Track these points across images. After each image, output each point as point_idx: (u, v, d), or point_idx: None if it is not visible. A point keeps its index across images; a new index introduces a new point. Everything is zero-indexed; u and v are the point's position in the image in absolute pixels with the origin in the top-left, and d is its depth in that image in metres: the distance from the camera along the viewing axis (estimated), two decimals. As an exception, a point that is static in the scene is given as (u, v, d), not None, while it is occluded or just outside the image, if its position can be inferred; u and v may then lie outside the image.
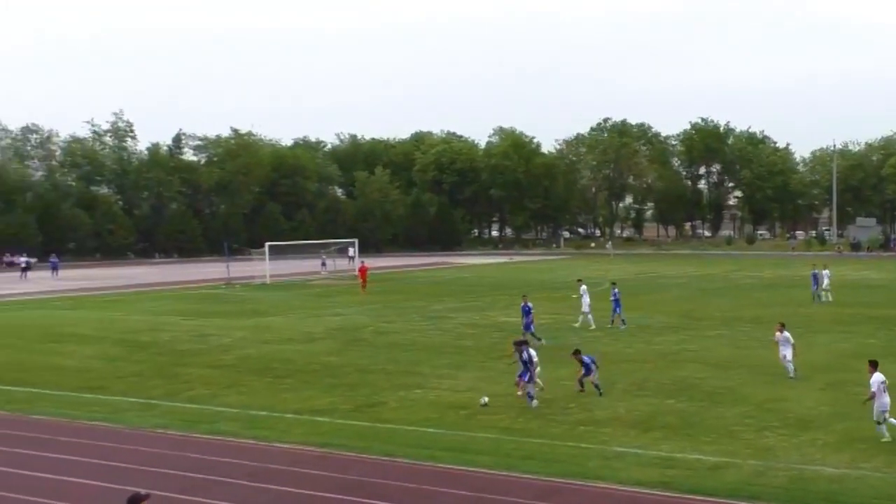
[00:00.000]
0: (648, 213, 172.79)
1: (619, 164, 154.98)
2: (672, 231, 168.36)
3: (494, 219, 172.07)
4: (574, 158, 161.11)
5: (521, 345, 25.75)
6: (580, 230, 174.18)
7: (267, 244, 77.63)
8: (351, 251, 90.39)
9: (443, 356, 33.86)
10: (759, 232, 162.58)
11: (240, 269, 78.42)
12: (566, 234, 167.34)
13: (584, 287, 43.41)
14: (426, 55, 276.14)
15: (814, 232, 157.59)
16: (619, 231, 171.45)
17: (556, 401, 25.47)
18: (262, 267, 75.04)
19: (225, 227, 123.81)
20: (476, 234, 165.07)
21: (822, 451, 20.20)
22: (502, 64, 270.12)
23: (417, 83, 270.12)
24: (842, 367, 30.88)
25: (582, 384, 26.31)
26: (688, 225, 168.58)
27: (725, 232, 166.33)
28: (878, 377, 21.27)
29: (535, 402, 24.58)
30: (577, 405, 24.81)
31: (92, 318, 48.37)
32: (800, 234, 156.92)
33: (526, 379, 25.00)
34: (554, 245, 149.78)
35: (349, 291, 63.76)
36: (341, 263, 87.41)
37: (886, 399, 21.07)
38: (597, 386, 26.12)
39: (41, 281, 79.54)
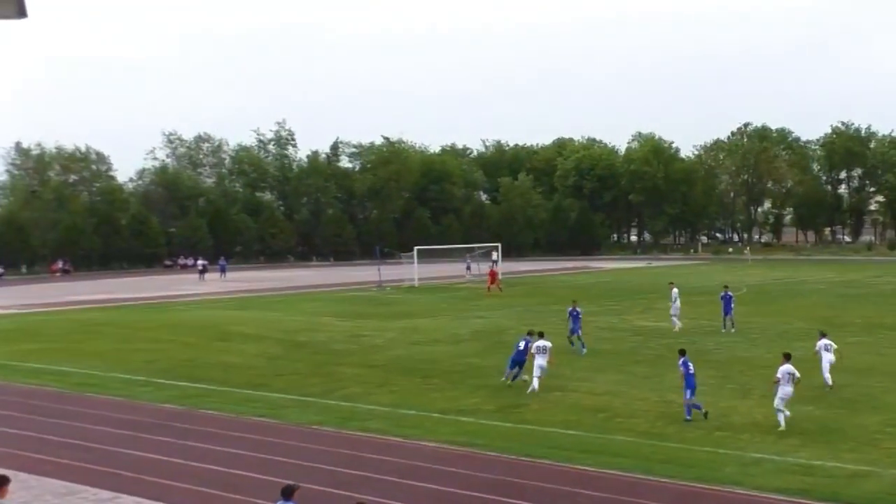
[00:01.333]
0: (787, 218, 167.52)
1: (758, 169, 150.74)
2: (811, 236, 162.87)
3: (633, 224, 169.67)
4: (713, 164, 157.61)
5: (681, 353, 24.58)
6: (718, 235, 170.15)
7: (416, 248, 78.37)
8: (494, 255, 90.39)
9: (581, 360, 33.59)
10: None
11: (390, 272, 79.50)
12: (704, 239, 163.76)
13: (675, 291, 42.86)
14: (566, 58, 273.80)
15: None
16: (757, 236, 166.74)
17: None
18: (411, 270, 75.82)
19: (377, 232, 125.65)
20: (615, 238, 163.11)
21: (966, 463, 19.23)
22: (641, 68, 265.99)
23: (559, 88, 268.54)
24: None
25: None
26: (827, 230, 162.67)
27: (866, 237, 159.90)
28: (786, 367, 22.74)
29: (688, 417, 23.27)
30: (713, 410, 24.23)
31: (255, 319, 49.84)
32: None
33: (687, 395, 23.59)
34: (692, 250, 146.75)
35: (492, 295, 63.87)
36: (485, 267, 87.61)
37: (790, 389, 22.51)
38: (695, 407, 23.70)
39: (212, 282, 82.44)
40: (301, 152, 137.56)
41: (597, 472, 18.88)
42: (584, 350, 34.68)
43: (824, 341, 28.36)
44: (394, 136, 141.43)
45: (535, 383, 27.28)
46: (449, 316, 50.39)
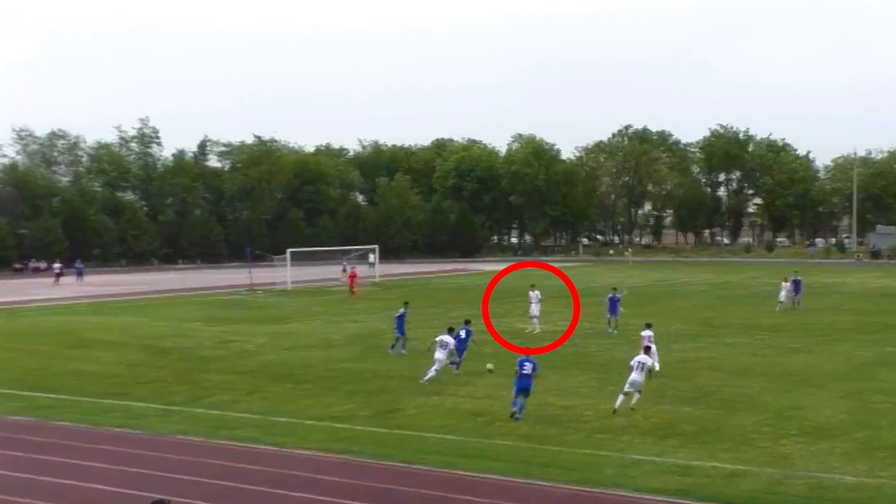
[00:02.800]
0: (667, 220, 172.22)
1: (638, 171, 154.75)
2: (691, 238, 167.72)
3: (514, 225, 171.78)
4: (594, 165, 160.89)
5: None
6: (599, 237, 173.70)
7: (289, 250, 77.82)
8: (371, 257, 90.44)
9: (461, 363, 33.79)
10: (779, 239, 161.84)
11: (262, 275, 78.66)
12: (585, 240, 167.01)
13: (534, 293, 44.17)
14: (447, 60, 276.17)
15: (833, 239, 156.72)
16: (637, 238, 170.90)
17: (573, 408, 25.43)
18: (283, 273, 75.19)
19: (247, 233, 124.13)
20: (496, 240, 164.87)
21: (840, 460, 20.11)
22: (523, 70, 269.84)
23: (439, 90, 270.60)
24: (861, 375, 30.76)
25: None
26: (707, 232, 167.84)
27: (744, 239, 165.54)
28: (640, 357, 25.55)
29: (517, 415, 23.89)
30: (593, 413, 24.75)
31: (115, 324, 48.61)
32: (819, 241, 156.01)
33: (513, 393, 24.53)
34: (573, 252, 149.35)
35: (369, 297, 63.80)
36: (362, 270, 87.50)
37: (639, 377, 24.88)
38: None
39: (68, 286, 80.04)
40: (167, 151, 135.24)
41: (476, 476, 19.02)
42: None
43: (648, 332, 31.23)
44: (266, 136, 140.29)
45: (431, 374, 29.14)
46: (323, 320, 50.18)
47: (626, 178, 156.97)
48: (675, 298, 62.84)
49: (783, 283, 54.59)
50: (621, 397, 24.85)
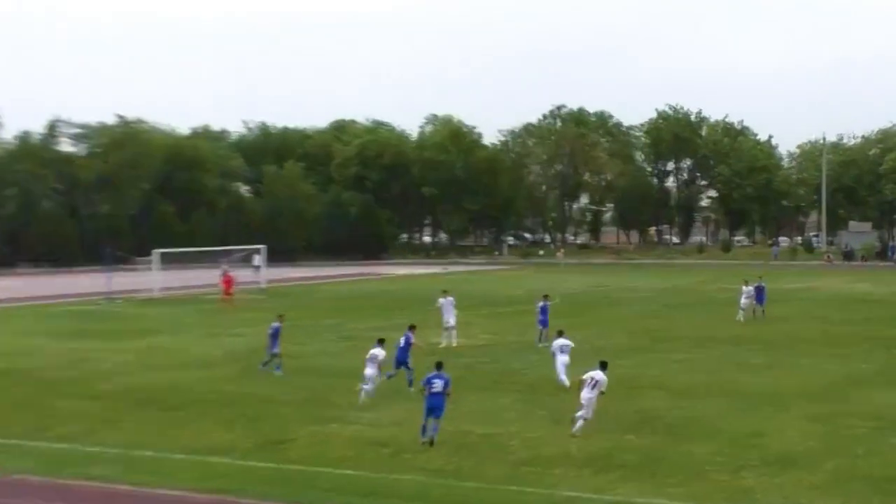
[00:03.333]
0: (607, 216, 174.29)
1: (573, 159, 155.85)
2: (634, 237, 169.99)
3: (427, 222, 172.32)
4: (521, 152, 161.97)
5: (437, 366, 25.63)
6: (527, 235, 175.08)
7: (156, 251, 76.83)
8: (257, 259, 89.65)
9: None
10: (737, 238, 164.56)
11: (123, 280, 77.38)
12: (511, 240, 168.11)
13: (447, 300, 44.74)
14: (349, 33, 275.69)
15: (800, 238, 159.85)
16: (572, 237, 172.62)
17: (495, 436, 25.37)
18: (150, 278, 74.19)
19: (107, 230, 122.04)
20: (406, 239, 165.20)
21: (808, 494, 20.35)
22: (441, 44, 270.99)
23: (340, 68, 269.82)
24: (832, 395, 31.27)
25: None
26: (653, 230, 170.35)
27: (697, 238, 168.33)
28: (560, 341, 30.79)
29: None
30: (520, 442, 24.72)
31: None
32: (784, 240, 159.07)
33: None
34: (496, 253, 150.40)
35: (254, 307, 63.21)
36: (246, 274, 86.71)
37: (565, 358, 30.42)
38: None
39: None
40: (9, 132, 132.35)
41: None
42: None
43: (561, 341, 32.80)
44: (130, 116, 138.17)
45: (363, 393, 30.47)
46: (198, 333, 49.66)
47: (560, 167, 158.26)
48: (615, 306, 63.47)
49: (743, 288, 55.24)
50: (580, 421, 25.41)
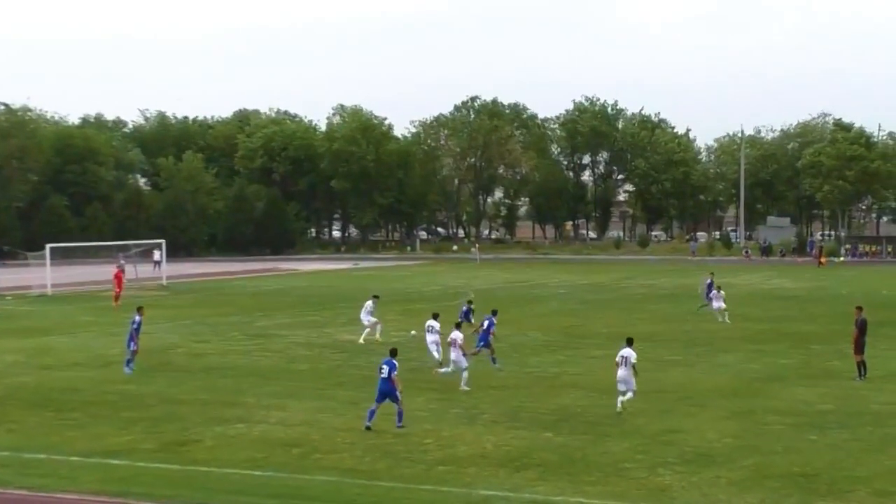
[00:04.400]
0: (522, 210, 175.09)
1: (487, 152, 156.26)
2: (550, 232, 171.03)
3: (336, 216, 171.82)
4: (433, 144, 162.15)
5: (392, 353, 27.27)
6: (440, 230, 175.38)
7: (48, 246, 75.72)
8: (157, 254, 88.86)
9: (270, 383, 33.61)
10: (654, 233, 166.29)
11: (12, 277, 76.27)
12: (423, 234, 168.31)
13: (370, 303, 45.72)
14: (251, 18, 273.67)
15: (718, 233, 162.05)
16: (487, 231, 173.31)
17: (410, 436, 25.49)
18: (42, 274, 73.10)
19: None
20: (314, 234, 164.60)
21: (726, 491, 20.72)
22: (348, 31, 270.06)
23: (242, 53, 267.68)
24: (750, 392, 31.84)
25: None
26: (569, 224, 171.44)
27: (614, 233, 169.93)
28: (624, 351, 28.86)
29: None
30: (435, 441, 24.86)
31: None
32: (702, 235, 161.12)
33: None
34: (408, 248, 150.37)
35: (156, 304, 62.61)
36: (145, 270, 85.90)
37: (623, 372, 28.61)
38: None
39: None
40: None
41: (289, 521, 18.85)
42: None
43: (431, 322, 37.34)
44: (16, 103, 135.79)
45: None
46: (95, 332, 49.12)
47: (473, 160, 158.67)
48: (531, 303, 63.88)
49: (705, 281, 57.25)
50: (620, 397, 28.30)
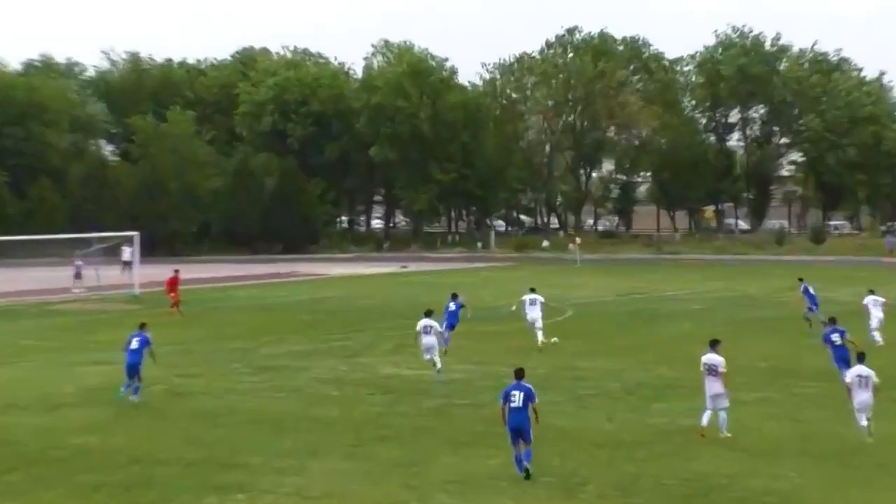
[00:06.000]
0: (642, 190, 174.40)
1: (592, 107, 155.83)
2: (682, 221, 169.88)
3: (378, 198, 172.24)
4: (515, 96, 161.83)
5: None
6: (524, 219, 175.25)
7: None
8: (127, 252, 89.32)
9: (283, 436, 33.73)
10: (834, 223, 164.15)
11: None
12: (500, 224, 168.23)
13: (532, 298, 50.95)
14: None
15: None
16: (591, 220, 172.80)
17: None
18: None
19: None
20: (345, 224, 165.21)
21: None
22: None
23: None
24: None
25: None
26: (710, 210, 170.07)
27: (775, 222, 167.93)
28: (857, 369, 32.01)
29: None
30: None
31: None
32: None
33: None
34: (479, 244, 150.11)
35: (124, 321, 63.03)
36: (110, 273, 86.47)
37: (866, 395, 31.55)
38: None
39: None
40: None
41: None
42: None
43: (425, 321, 42.94)
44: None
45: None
46: (41, 360, 49.68)
47: (572, 118, 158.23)
48: (653, 324, 63.54)
49: (870, 299, 54.62)
50: (706, 413, 32.48)
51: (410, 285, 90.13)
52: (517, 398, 27.55)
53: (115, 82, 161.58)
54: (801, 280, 62.88)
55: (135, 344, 38.99)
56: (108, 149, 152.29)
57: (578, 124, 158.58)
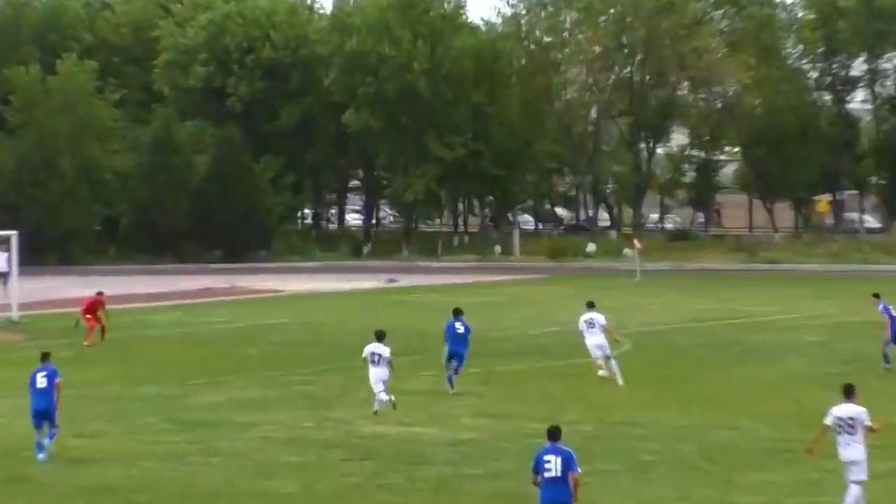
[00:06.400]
0: (727, 172, 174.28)
1: (656, 54, 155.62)
2: (785, 216, 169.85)
3: (355, 184, 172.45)
4: (548, 39, 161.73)
5: None
6: (560, 212, 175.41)
7: None
8: (1, 259, 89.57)
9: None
10: None
11: None
12: (527, 220, 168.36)
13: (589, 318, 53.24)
14: None
15: None
16: (656, 215, 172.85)
17: None
18: None
19: None
20: (309, 219, 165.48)
21: None
22: None
23: None
24: None
25: None
26: (824, 200, 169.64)
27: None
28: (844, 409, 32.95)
29: None
30: None
31: None
32: None
33: None
34: (497, 248, 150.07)
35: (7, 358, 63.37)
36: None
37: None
38: None
39: None
40: None
41: None
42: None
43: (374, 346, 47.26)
44: None
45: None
46: None
47: (628, 71, 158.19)
48: (743, 362, 63.48)
49: None
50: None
51: (400, 307, 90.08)
52: (554, 465, 27.19)
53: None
54: (876, 297, 62.87)
55: (42, 381, 39.68)
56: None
57: (637, 79, 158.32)
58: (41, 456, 39.82)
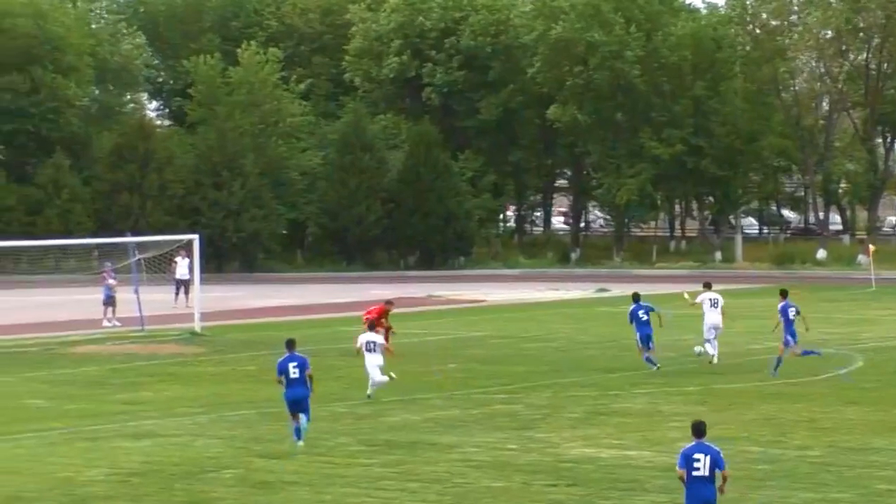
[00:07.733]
0: None
1: (894, 38, 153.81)
2: None
3: (562, 183, 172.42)
4: (774, 23, 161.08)
5: None
6: (788, 215, 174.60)
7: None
8: (183, 265, 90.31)
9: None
10: None
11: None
12: (750, 224, 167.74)
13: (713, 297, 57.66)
14: None
15: None
16: (892, 219, 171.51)
17: None
18: None
19: None
20: (511, 222, 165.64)
21: None
22: None
23: None
24: None
25: None
26: None
27: None
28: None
29: None
30: None
31: None
32: None
33: None
34: (718, 254, 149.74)
35: (177, 374, 64.12)
36: (156, 297, 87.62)
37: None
38: None
39: None
40: None
41: None
42: None
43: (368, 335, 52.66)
44: None
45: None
46: (56, 433, 49.98)
47: (863, 58, 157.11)
48: None
49: None
50: None
51: (611, 319, 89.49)
52: (703, 464, 28.39)
53: (160, 7, 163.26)
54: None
55: (294, 372, 43.43)
56: (151, 107, 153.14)
57: (873, 67, 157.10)
58: (300, 443, 45.37)
